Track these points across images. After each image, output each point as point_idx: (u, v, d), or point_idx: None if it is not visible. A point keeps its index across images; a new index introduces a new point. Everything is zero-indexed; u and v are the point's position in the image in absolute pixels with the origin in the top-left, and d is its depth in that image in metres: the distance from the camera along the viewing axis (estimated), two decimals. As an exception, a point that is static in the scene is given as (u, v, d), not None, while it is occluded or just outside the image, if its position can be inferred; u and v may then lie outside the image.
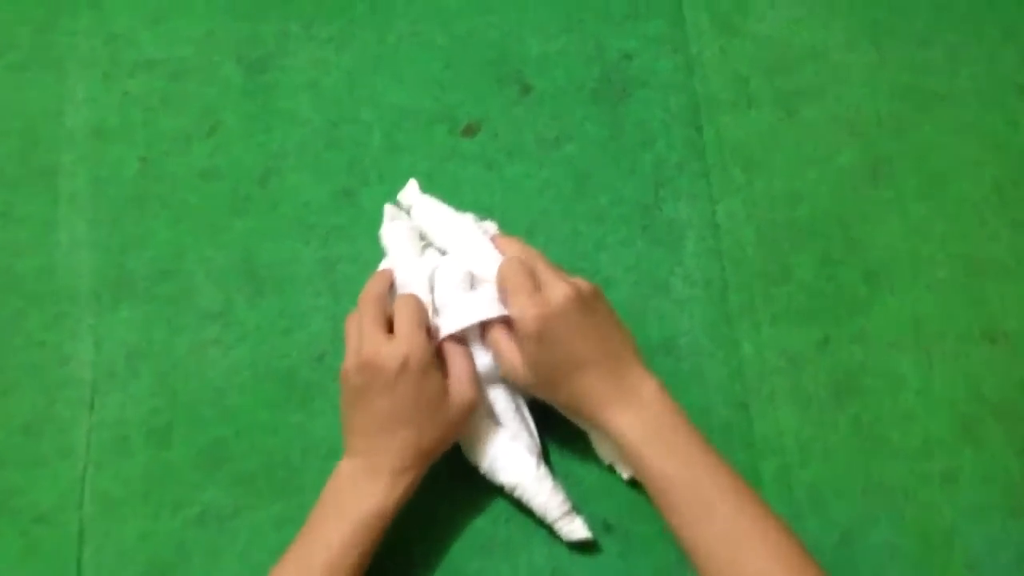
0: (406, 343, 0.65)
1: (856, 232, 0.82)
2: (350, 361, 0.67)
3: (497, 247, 0.72)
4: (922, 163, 0.84)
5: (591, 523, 0.71)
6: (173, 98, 0.87)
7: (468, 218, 0.74)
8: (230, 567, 0.71)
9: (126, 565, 0.72)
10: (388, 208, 0.75)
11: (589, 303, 0.66)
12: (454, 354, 0.69)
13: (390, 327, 0.67)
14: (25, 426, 0.76)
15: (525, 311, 0.65)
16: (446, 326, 0.69)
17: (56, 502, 0.73)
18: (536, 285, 0.66)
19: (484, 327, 0.69)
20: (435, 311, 0.71)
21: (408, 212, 0.76)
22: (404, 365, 0.64)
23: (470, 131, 0.86)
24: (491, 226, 0.75)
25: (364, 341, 0.66)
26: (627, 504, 0.72)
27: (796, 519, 0.72)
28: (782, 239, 0.82)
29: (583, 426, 0.72)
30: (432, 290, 0.71)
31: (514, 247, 0.70)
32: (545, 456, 0.73)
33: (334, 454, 0.73)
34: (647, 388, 0.66)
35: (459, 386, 0.67)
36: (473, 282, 0.72)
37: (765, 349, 0.77)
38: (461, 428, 0.69)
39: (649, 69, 0.88)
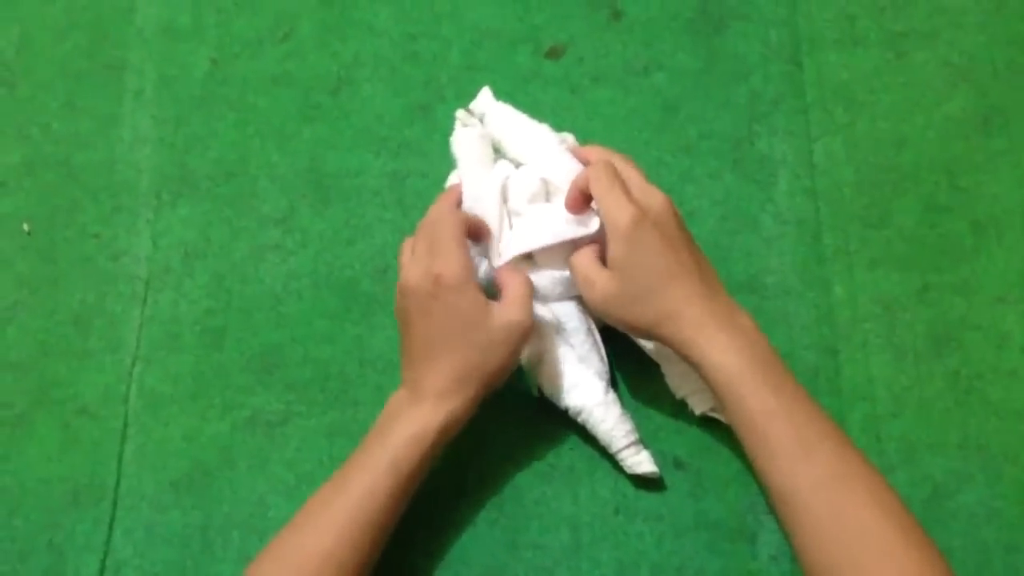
0: (439, 261, 0.63)
1: (964, 181, 0.79)
2: (397, 288, 0.66)
3: (579, 156, 0.70)
4: (1039, 115, 0.82)
5: (661, 460, 0.70)
6: (248, 2, 0.87)
7: (545, 128, 0.73)
8: (277, 474, 0.70)
9: (168, 464, 0.71)
10: (460, 113, 0.73)
11: (675, 213, 0.65)
12: (508, 274, 0.67)
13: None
14: (74, 318, 0.76)
15: (621, 210, 0.62)
16: (517, 245, 0.68)
17: (101, 396, 0.73)
18: (627, 190, 0.64)
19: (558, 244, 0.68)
20: (509, 225, 0.70)
21: (481, 120, 0.75)
22: (436, 284, 0.63)
23: (554, 54, 0.85)
24: (569, 137, 0.73)
25: (409, 264, 0.65)
26: (699, 442, 0.70)
27: (885, 471, 0.68)
28: (883, 183, 0.79)
29: (656, 356, 0.70)
30: (505, 201, 0.70)
31: (600, 152, 0.69)
32: (614, 387, 0.71)
33: (392, 368, 0.72)
34: (742, 317, 0.64)
35: (505, 306, 0.64)
36: (549, 195, 0.70)
37: (859, 293, 0.75)
38: (512, 353, 0.65)
39: (749, 2, 0.86)
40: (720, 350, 0.62)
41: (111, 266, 0.77)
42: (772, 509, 0.62)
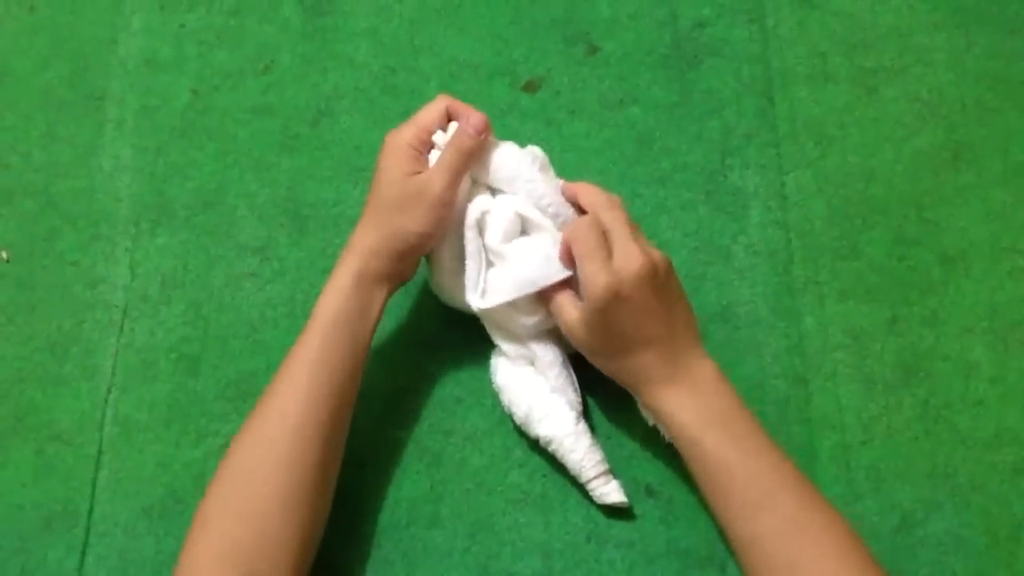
0: (391, 131, 0.70)
1: (933, 214, 0.81)
2: None
3: (568, 193, 0.71)
4: (1006, 150, 0.84)
5: (632, 487, 0.71)
6: (229, 34, 0.89)
7: (511, 146, 0.72)
8: (250, 500, 0.71)
9: (142, 491, 0.72)
10: (438, 137, 0.75)
11: (661, 278, 0.65)
12: (446, 147, 0.69)
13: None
14: (50, 345, 0.77)
15: (597, 279, 0.64)
16: (501, 292, 0.69)
17: (75, 422, 0.74)
18: (609, 251, 0.65)
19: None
20: (487, 262, 0.70)
21: None
22: (381, 150, 0.69)
23: (531, 87, 0.87)
24: (538, 152, 0.73)
25: None
26: (671, 470, 0.72)
27: (854, 499, 0.71)
28: (854, 215, 0.81)
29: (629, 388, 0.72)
30: (481, 234, 0.71)
31: (589, 194, 0.69)
32: (587, 415, 0.73)
33: (365, 402, 0.73)
34: (705, 370, 0.66)
35: (428, 172, 0.68)
36: (525, 228, 0.71)
37: (829, 324, 0.77)
38: (424, 213, 0.68)
39: (722, 39, 0.89)
40: (678, 407, 0.65)
41: (88, 294, 0.79)
42: (732, 553, 0.64)
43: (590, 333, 0.66)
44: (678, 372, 0.65)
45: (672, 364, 0.66)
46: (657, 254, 0.66)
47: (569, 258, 0.68)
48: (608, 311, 0.64)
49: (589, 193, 0.70)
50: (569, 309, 0.67)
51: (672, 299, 0.67)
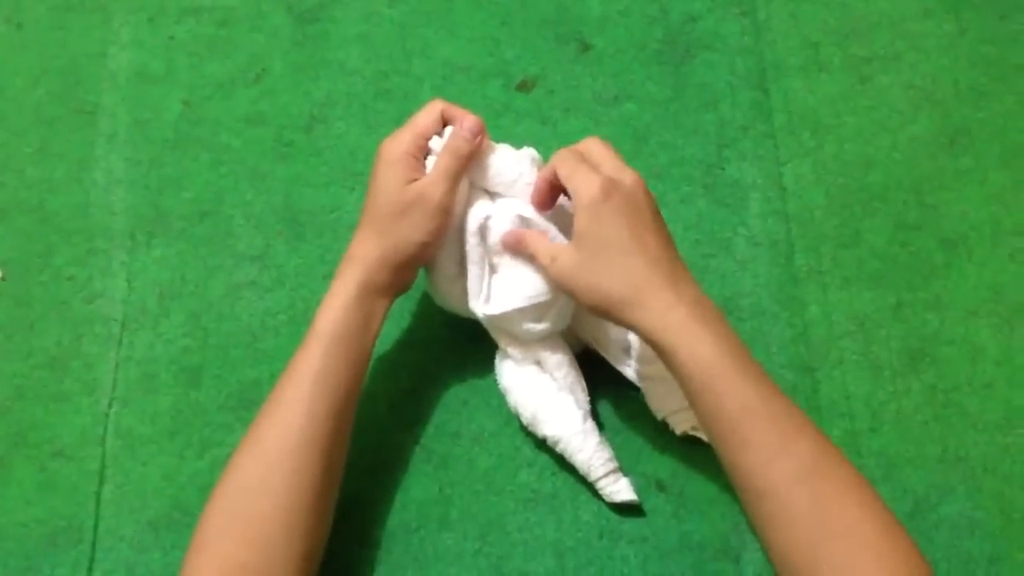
0: (385, 140, 0.69)
1: (932, 199, 0.81)
2: None
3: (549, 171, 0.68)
4: (1003, 133, 0.84)
5: (643, 482, 0.71)
6: (219, 45, 0.89)
7: (520, 155, 0.73)
8: (257, 509, 0.71)
9: (147, 505, 0.71)
10: (434, 143, 0.75)
11: (644, 188, 0.64)
12: (442, 151, 0.69)
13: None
14: (50, 360, 0.76)
15: (588, 181, 0.62)
16: (509, 300, 0.69)
17: (77, 438, 0.74)
18: (596, 167, 0.64)
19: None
20: (490, 267, 0.70)
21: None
22: (377, 157, 0.68)
23: (525, 87, 0.87)
24: (534, 153, 0.72)
25: None
26: (681, 463, 0.71)
27: (865, 486, 0.71)
28: (853, 203, 0.81)
29: (637, 377, 0.71)
30: (484, 240, 0.70)
31: (564, 149, 0.67)
32: (594, 411, 0.72)
33: (371, 406, 0.73)
34: (712, 308, 0.62)
35: (425, 180, 0.67)
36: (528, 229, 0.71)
37: (833, 312, 0.77)
38: (423, 221, 0.67)
39: (714, 32, 0.89)
40: (693, 340, 0.60)
41: (86, 308, 0.78)
42: (746, 507, 0.60)
43: (583, 248, 0.62)
44: (686, 301, 0.61)
45: (676, 290, 0.61)
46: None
47: (551, 193, 0.67)
48: (601, 211, 0.62)
49: (558, 153, 0.67)
50: (555, 248, 0.65)
51: (659, 216, 0.65)
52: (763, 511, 0.58)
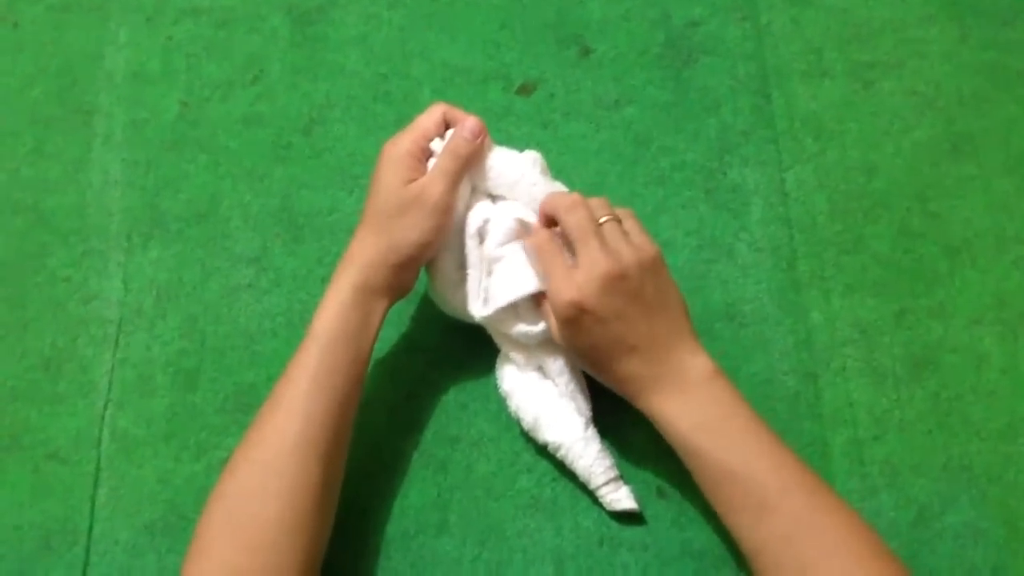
0: (389, 140, 0.69)
1: (935, 206, 0.81)
2: None
3: (543, 209, 0.69)
4: (1007, 140, 0.84)
5: (644, 489, 0.70)
6: (217, 45, 0.89)
7: (521, 157, 0.72)
8: (253, 514, 0.70)
9: (142, 508, 0.71)
10: (436, 145, 0.75)
11: (633, 280, 0.63)
12: (442, 153, 0.69)
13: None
14: (45, 362, 0.76)
15: (559, 296, 0.63)
16: (501, 296, 0.68)
17: (72, 440, 0.73)
18: (571, 260, 0.65)
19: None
20: (488, 271, 0.70)
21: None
22: (379, 156, 0.68)
23: (525, 90, 0.87)
24: (536, 155, 0.72)
25: None
26: (682, 470, 0.70)
27: (869, 495, 0.70)
28: (856, 209, 0.81)
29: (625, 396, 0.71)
30: (482, 243, 0.70)
31: (551, 202, 0.68)
32: (597, 419, 0.72)
33: (370, 410, 0.73)
34: (697, 369, 0.64)
35: (424, 179, 0.68)
36: (527, 232, 0.71)
37: (836, 319, 0.77)
38: (422, 219, 0.67)
39: (716, 37, 0.89)
40: (673, 416, 0.63)
41: (82, 310, 0.78)
42: (748, 564, 0.62)
43: (569, 346, 0.66)
44: (667, 375, 0.64)
45: (659, 366, 0.64)
46: (628, 253, 0.64)
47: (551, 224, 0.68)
48: (577, 325, 0.63)
49: (547, 201, 0.68)
50: (553, 320, 0.66)
51: (651, 298, 0.64)
52: (757, 566, 0.60)
